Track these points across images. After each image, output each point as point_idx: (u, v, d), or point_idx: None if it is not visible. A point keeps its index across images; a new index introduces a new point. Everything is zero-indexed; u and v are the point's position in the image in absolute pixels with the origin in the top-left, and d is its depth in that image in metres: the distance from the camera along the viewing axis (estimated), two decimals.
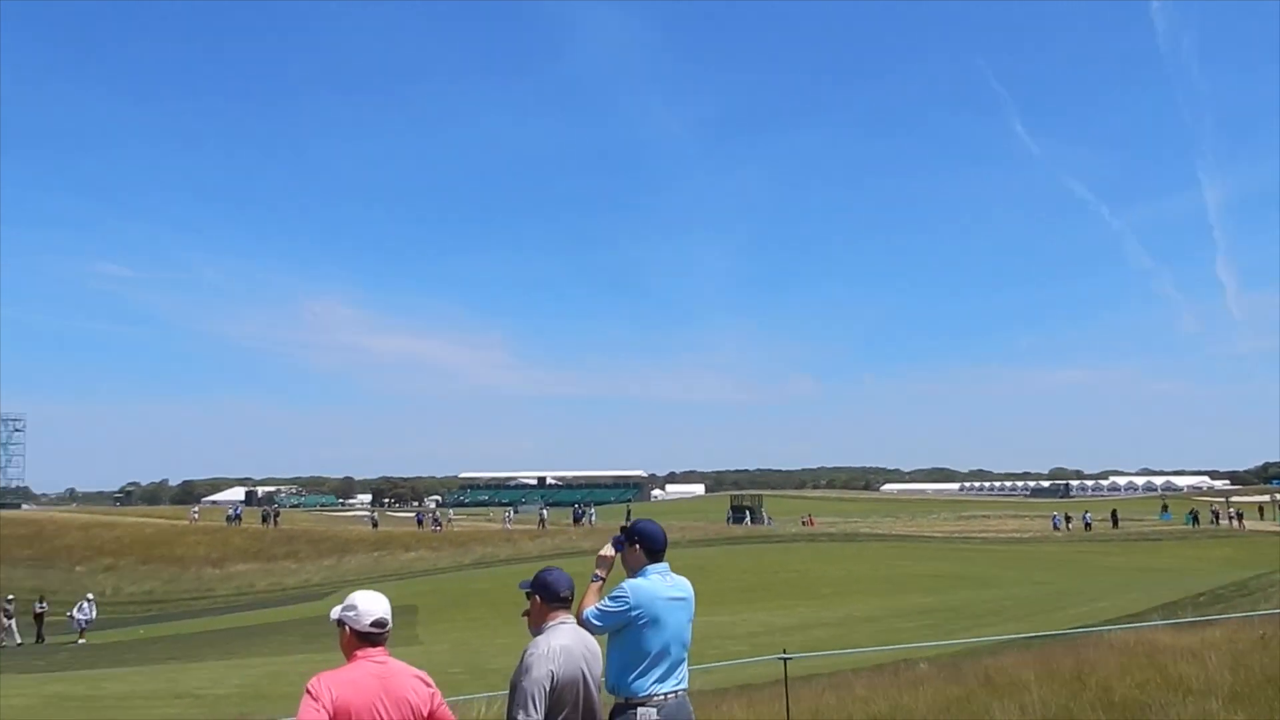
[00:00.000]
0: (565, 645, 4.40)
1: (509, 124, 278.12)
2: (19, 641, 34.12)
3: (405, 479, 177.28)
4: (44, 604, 35.67)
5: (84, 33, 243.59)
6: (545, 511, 69.63)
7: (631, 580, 4.88)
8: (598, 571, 4.99)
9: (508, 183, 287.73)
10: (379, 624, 3.99)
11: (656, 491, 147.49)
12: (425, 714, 3.94)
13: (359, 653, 3.96)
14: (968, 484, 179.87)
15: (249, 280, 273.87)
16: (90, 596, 34.94)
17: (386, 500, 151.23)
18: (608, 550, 5.04)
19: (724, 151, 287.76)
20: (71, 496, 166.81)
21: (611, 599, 4.77)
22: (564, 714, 4.32)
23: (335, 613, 4.06)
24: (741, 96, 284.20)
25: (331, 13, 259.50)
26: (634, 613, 4.70)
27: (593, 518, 63.34)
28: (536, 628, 4.52)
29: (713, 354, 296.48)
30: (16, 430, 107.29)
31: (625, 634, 4.72)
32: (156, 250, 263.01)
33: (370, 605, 4.01)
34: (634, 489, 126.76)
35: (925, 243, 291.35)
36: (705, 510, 76.36)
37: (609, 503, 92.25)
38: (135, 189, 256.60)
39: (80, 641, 32.83)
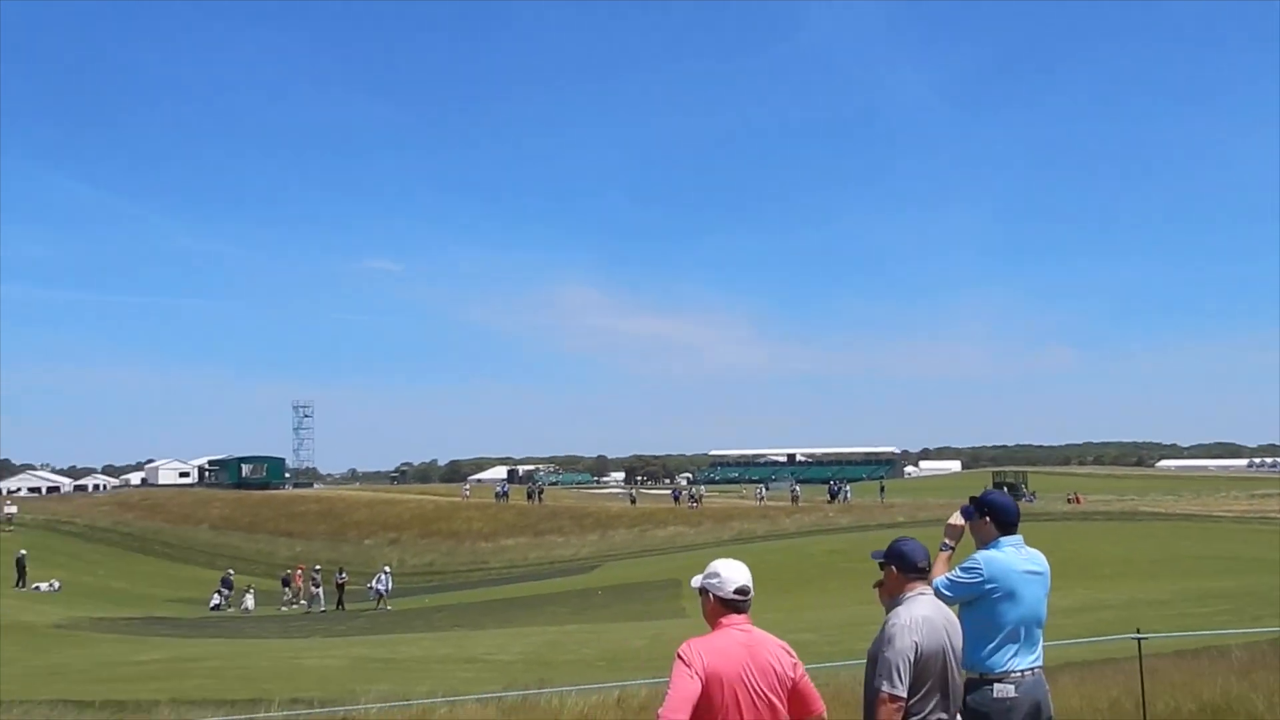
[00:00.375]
0: (927, 616, 4.24)
1: (743, 103, 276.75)
2: (323, 608, 37.17)
3: (656, 457, 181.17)
4: (344, 574, 38.73)
5: (344, 37, 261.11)
6: (798, 488, 69.21)
7: (984, 551, 4.73)
8: (946, 541, 4.85)
9: (745, 162, 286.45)
10: (742, 591, 3.91)
11: (910, 468, 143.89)
12: (790, 684, 3.83)
13: (724, 620, 3.89)
14: (1257, 460, 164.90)
15: (503, 270, 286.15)
16: (387, 568, 37.51)
17: (639, 478, 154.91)
18: (956, 519, 4.88)
19: (970, 113, 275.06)
20: (353, 476, 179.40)
21: (963, 569, 4.63)
22: (927, 687, 4.16)
23: (697, 581, 4.01)
24: (992, 51, 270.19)
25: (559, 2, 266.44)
26: (987, 585, 4.56)
27: (847, 494, 62.44)
28: (894, 598, 4.35)
29: (962, 326, 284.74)
30: (306, 416, 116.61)
31: (979, 607, 4.57)
32: (419, 245, 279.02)
33: (733, 573, 3.94)
34: (886, 465, 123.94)
35: (1205, 204, 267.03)
36: (962, 487, 73.64)
37: (860, 479, 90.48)
38: (398, 188, 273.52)
39: (379, 608, 35.29)
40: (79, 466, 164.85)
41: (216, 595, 40.43)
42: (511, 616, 31.63)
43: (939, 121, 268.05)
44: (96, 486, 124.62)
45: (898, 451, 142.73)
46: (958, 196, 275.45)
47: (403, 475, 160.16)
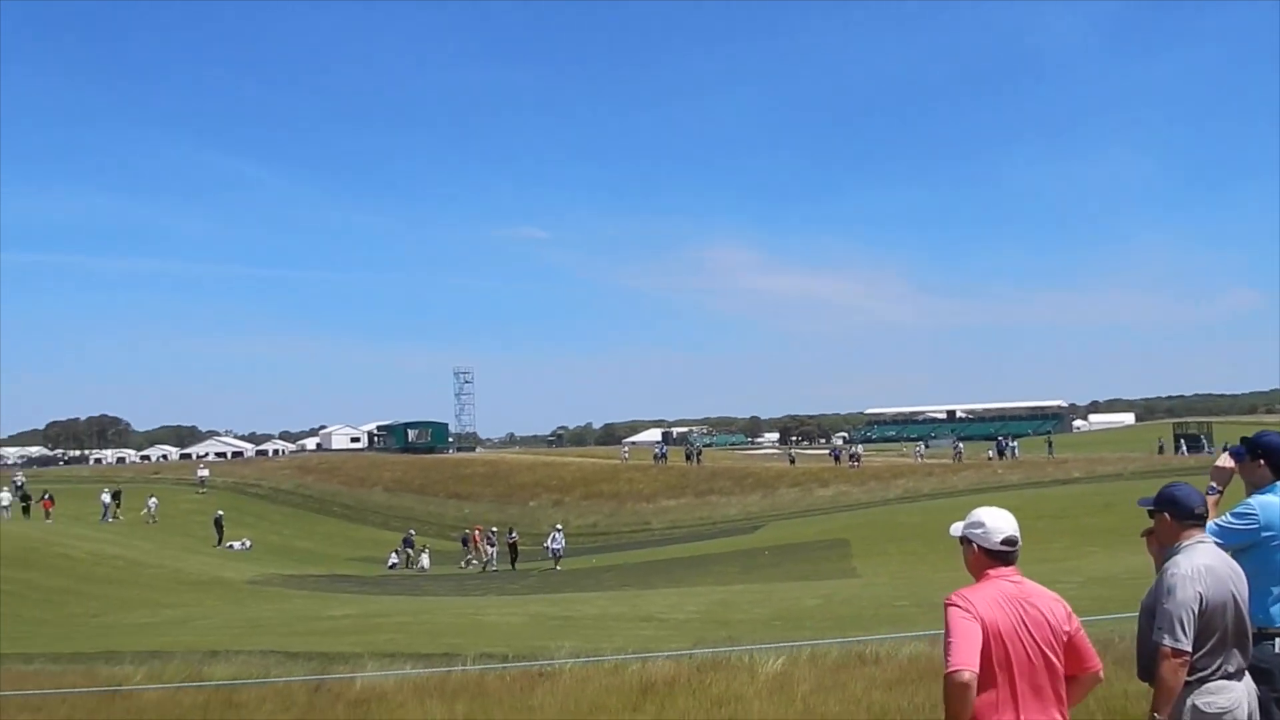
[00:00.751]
0: (1209, 564, 3.93)
1: (892, 51, 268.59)
2: (496, 567, 38.27)
3: (811, 416, 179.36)
4: (515, 534, 39.74)
5: (486, 7, 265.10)
6: (961, 445, 67.40)
7: (1258, 496, 4.35)
8: (1213, 484, 4.52)
9: (896, 113, 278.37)
10: (1009, 541, 3.67)
11: (1079, 422, 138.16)
12: (1065, 638, 3.59)
13: (991, 571, 3.67)
14: None
15: (651, 233, 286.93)
16: (559, 528, 38.19)
17: (794, 438, 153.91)
18: (1225, 461, 4.56)
19: (1131, 51, 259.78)
20: (512, 440, 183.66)
21: (1235, 515, 4.35)
22: (1214, 639, 3.87)
23: (958, 529, 3.79)
24: None
25: None
26: (1265, 533, 4.25)
27: (1015, 450, 60.49)
28: (1168, 547, 4.04)
29: (1130, 271, 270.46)
30: (466, 382, 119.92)
31: (1254, 555, 4.26)
32: (567, 212, 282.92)
33: (999, 522, 3.70)
34: (1053, 420, 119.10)
35: None
36: (1139, 440, 70.31)
37: (1026, 435, 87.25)
38: (545, 156, 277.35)
39: (556, 568, 36.07)
40: (258, 433, 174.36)
41: (394, 554, 42.14)
42: (679, 576, 31.83)
43: (1099, 61, 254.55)
44: (276, 451, 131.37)
45: (1065, 405, 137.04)
46: (1123, 139, 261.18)
47: (559, 439, 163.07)
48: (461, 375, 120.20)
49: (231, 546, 43.28)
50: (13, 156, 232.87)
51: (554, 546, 36.86)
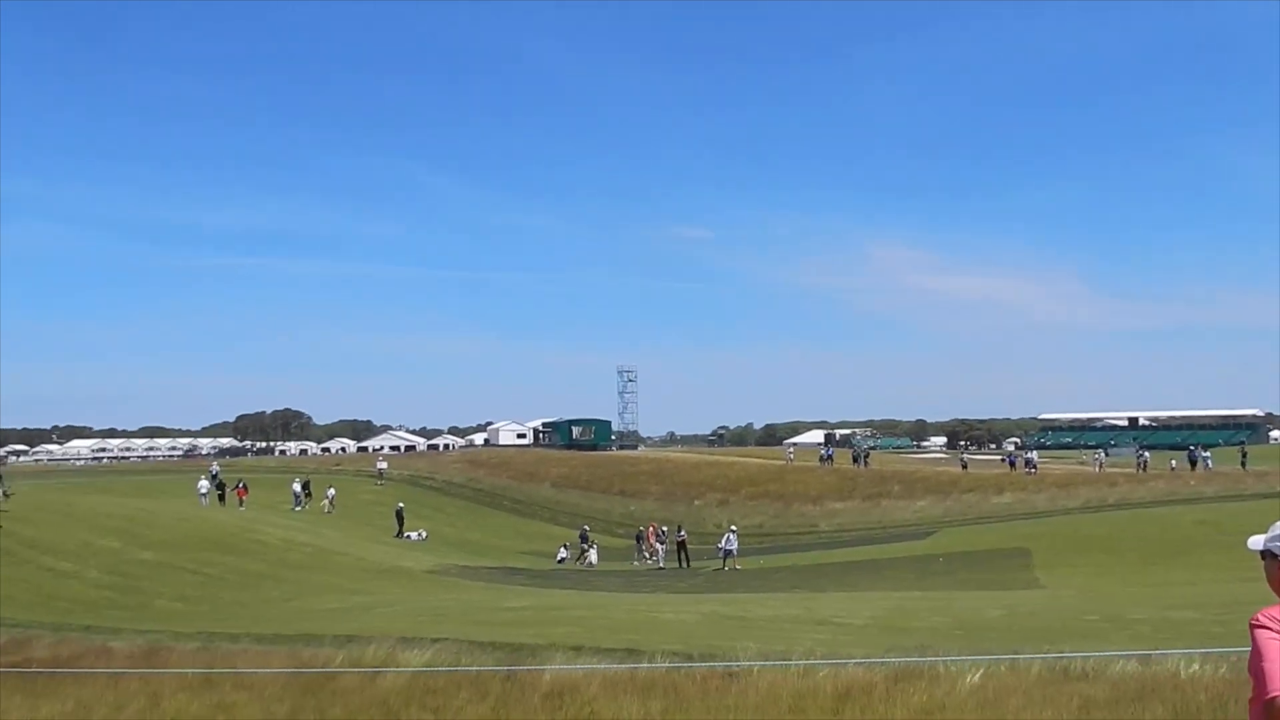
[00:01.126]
0: None
1: (1057, 40, 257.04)
2: (661, 565, 38.39)
3: (980, 421, 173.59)
4: (684, 533, 39.81)
5: (648, 7, 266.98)
6: (1146, 454, 63.99)
7: None
8: None
9: (1067, 104, 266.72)
10: None
11: (1276, 433, 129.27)
12: None
13: None
14: None
15: (814, 232, 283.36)
16: (734, 528, 37.95)
17: (962, 442, 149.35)
18: None
19: None
20: (672, 439, 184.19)
21: None
22: None
23: (1257, 542, 3.44)
24: None
25: None
26: None
27: (1208, 461, 56.96)
28: None
29: None
30: (630, 381, 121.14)
31: None
32: (729, 211, 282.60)
33: None
34: (1246, 430, 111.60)
35: None
36: None
37: (1216, 445, 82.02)
38: (707, 156, 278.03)
39: (728, 568, 35.94)
40: (428, 427, 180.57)
41: (563, 549, 42.82)
42: (851, 580, 31.26)
43: None
44: (446, 446, 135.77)
45: (1261, 414, 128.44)
46: None
47: (720, 438, 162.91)
48: (625, 374, 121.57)
49: (409, 537, 44.84)
50: (213, 166, 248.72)
51: (727, 546, 36.65)
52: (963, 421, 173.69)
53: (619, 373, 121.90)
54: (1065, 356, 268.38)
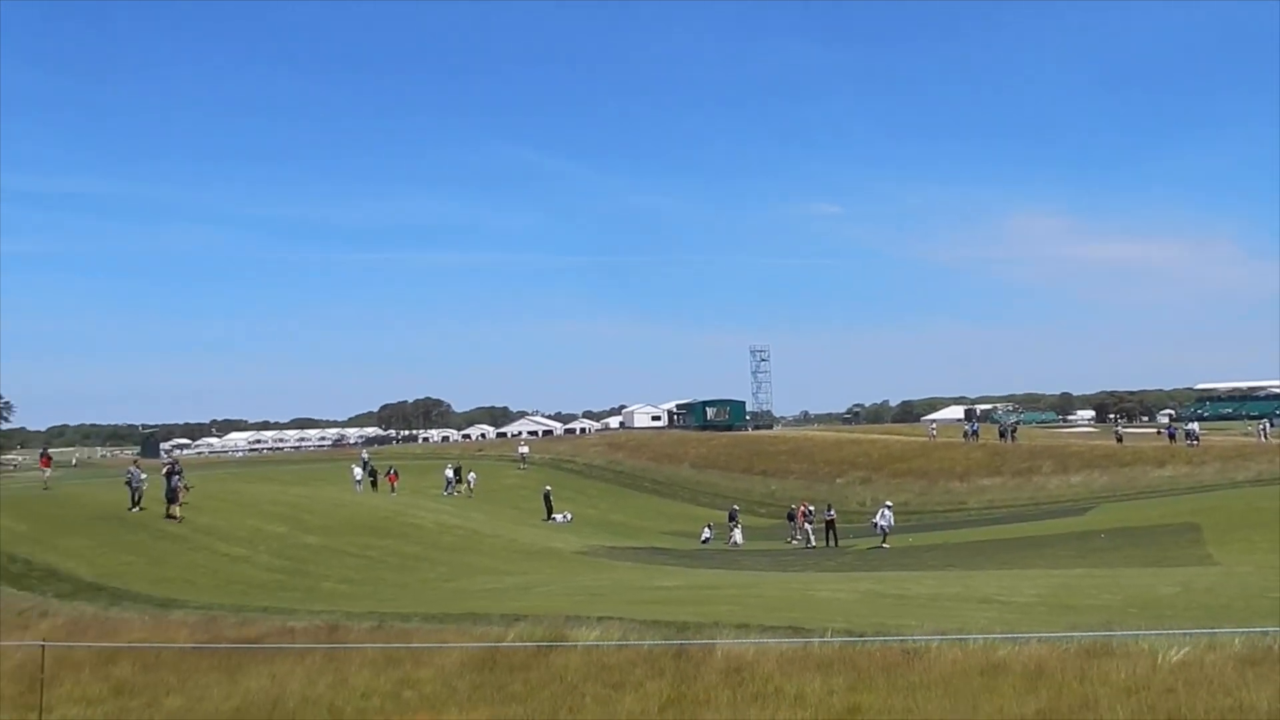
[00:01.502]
0: None
1: None
2: (811, 543, 37.98)
3: (1131, 392, 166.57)
4: (832, 511, 39.30)
5: None
6: None
7: None
8: None
9: (1220, 62, 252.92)
10: None
11: None
12: None
13: None
14: None
15: (949, 202, 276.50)
16: (889, 504, 37.19)
17: (1112, 415, 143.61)
18: None
19: None
20: (806, 418, 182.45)
21: None
22: None
23: None
24: None
25: None
26: None
27: None
28: None
29: None
30: (763, 360, 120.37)
31: None
32: (859, 186, 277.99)
33: None
34: None
35: None
36: None
37: None
38: (836, 132, 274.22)
39: (884, 546, 35.35)
40: (563, 412, 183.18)
41: (706, 529, 42.83)
42: (1007, 558, 30.38)
43: None
44: (582, 430, 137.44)
45: None
46: None
47: (855, 416, 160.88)
48: (758, 353, 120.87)
49: (554, 519, 45.52)
50: (349, 163, 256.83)
51: (881, 523, 36.03)
52: (1111, 394, 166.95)
53: (752, 352, 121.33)
54: (1221, 323, 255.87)
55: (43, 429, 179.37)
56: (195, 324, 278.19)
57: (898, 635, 12.63)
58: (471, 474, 51.84)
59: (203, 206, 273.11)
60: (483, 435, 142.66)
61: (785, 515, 43.33)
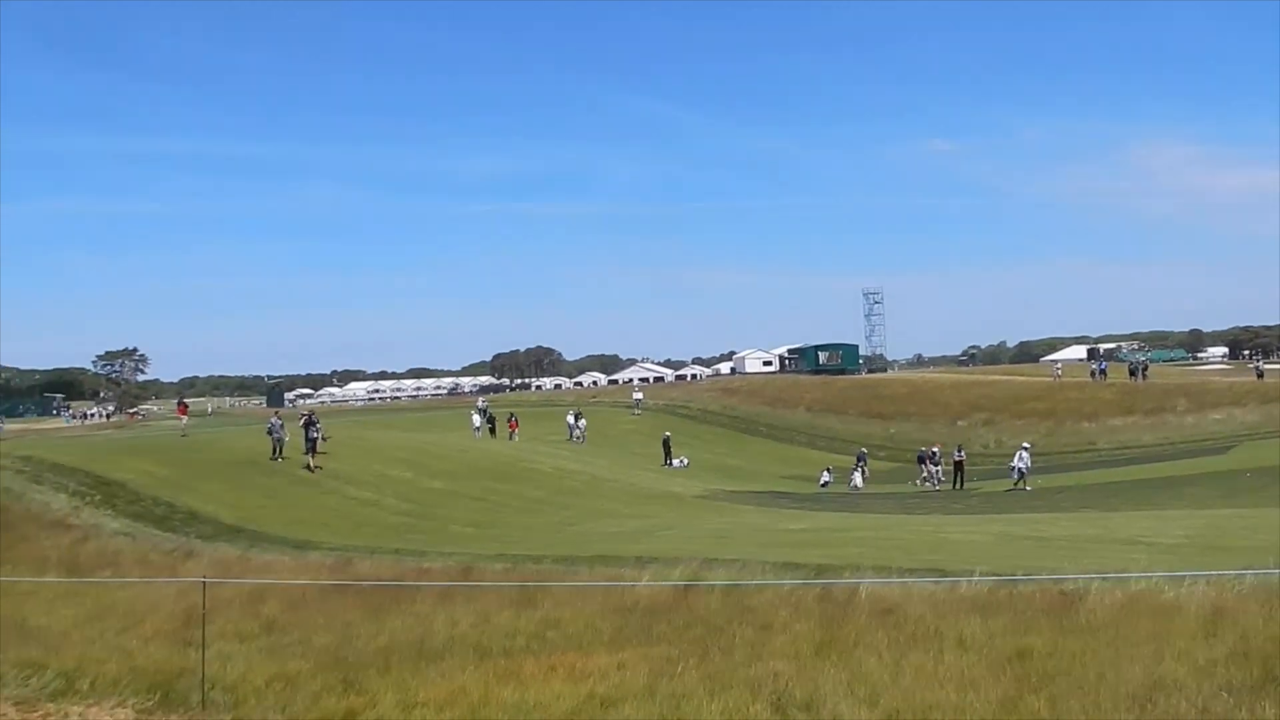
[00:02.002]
0: None
1: None
2: (936, 486, 37.12)
3: (1267, 327, 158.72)
4: (961, 453, 38.28)
5: None
6: None
7: None
8: None
9: None
10: None
11: None
12: None
13: None
14: None
15: (1068, 135, 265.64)
16: (1026, 445, 35.90)
17: (1245, 352, 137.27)
18: None
19: None
20: (919, 361, 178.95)
21: None
22: None
23: None
24: None
25: None
26: None
27: None
28: None
29: None
30: (876, 303, 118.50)
31: None
32: (975, 121, 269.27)
33: None
34: None
35: None
36: None
37: None
38: (952, 67, 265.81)
39: (1026, 489, 34.36)
40: (673, 359, 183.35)
41: (825, 473, 42.34)
42: (1145, 499, 29.25)
43: None
44: (693, 376, 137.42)
45: None
46: None
47: (971, 358, 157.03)
48: (870, 296, 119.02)
49: (670, 464, 45.50)
50: (463, 115, 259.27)
51: (1019, 465, 34.94)
52: (1246, 329, 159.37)
53: (865, 295, 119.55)
54: None
55: (175, 380, 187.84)
56: (316, 278, 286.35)
57: (1051, 576, 12.11)
58: (582, 420, 51.84)
59: (323, 163, 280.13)
60: (594, 383, 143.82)
61: (915, 458, 42.27)
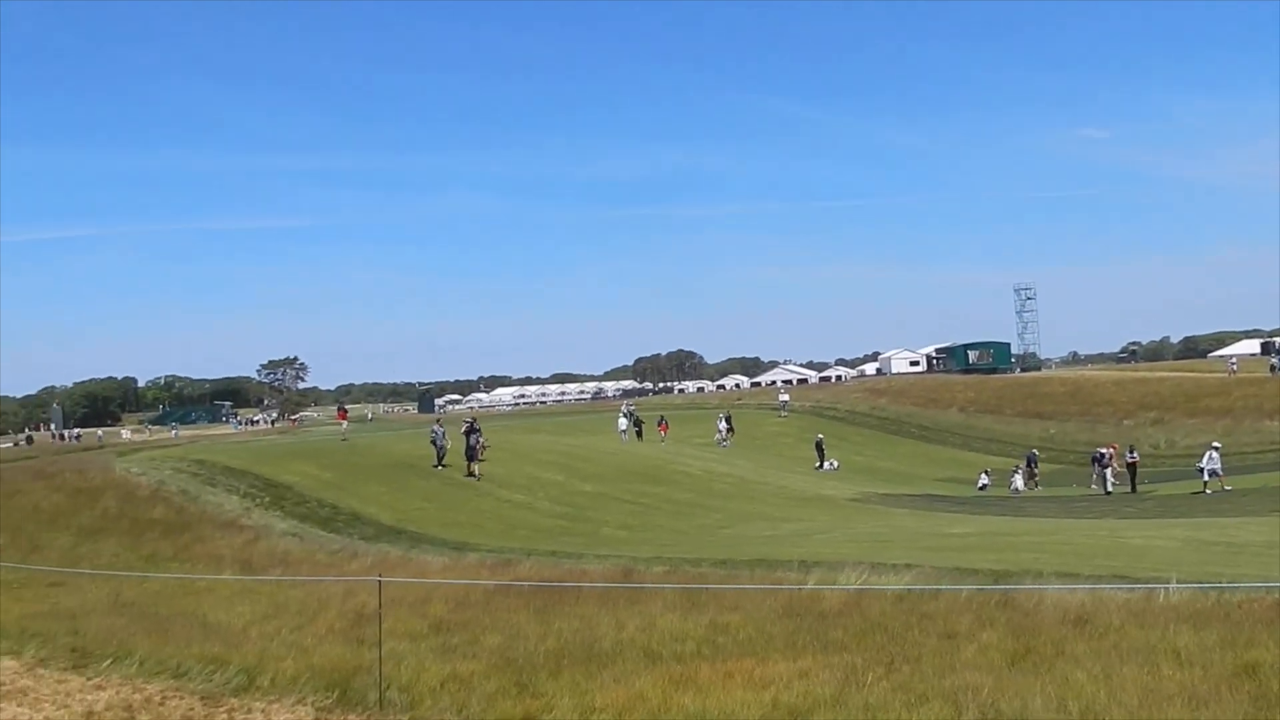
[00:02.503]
0: None
1: None
2: (1107, 491, 35.21)
3: None
4: (1134, 454, 36.23)
5: None
6: None
7: None
8: None
9: None
10: None
11: None
12: None
13: None
14: None
15: (1231, 116, 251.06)
16: (1216, 445, 33.71)
17: None
18: None
19: None
20: (1074, 359, 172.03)
21: None
22: None
23: None
24: None
25: None
26: None
27: None
28: None
29: None
30: (1029, 299, 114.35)
31: None
32: (1128, 106, 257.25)
33: None
34: None
35: None
36: None
37: None
38: (1104, 51, 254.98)
39: (1224, 488, 32.36)
40: (815, 361, 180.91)
41: (984, 475, 40.87)
42: None
43: None
44: (838, 377, 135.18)
45: None
46: None
47: (1132, 355, 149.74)
48: (1023, 292, 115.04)
49: (820, 467, 44.66)
50: (601, 122, 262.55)
51: (1209, 466, 32.70)
52: None
53: (1016, 291, 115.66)
54: None
55: (332, 388, 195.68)
56: (461, 286, 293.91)
57: (1262, 584, 11.16)
58: (722, 422, 51.26)
59: (463, 172, 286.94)
60: (736, 385, 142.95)
61: (1088, 459, 40.08)
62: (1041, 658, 8.13)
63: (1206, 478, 32.55)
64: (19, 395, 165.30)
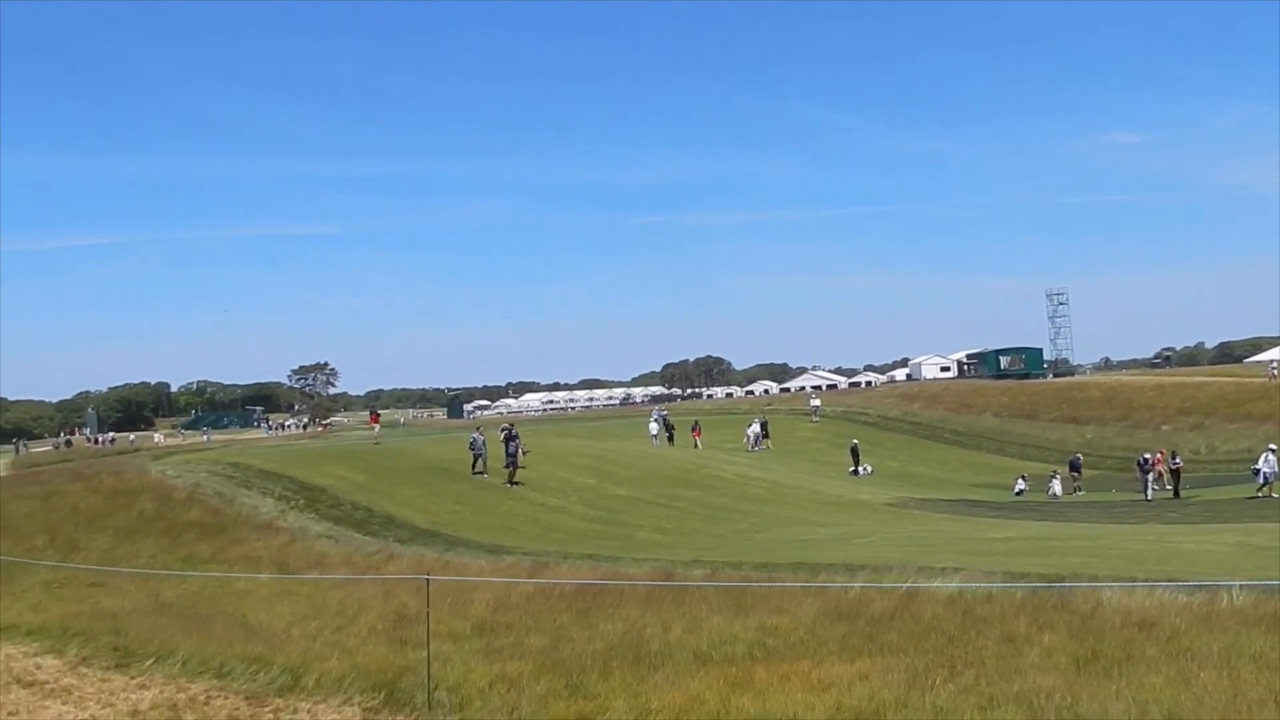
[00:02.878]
0: None
1: None
2: (1149, 498, 34.59)
3: None
4: (1178, 459, 35.59)
5: None
6: None
7: None
8: None
9: None
10: None
11: None
12: None
13: None
14: None
15: (1264, 120, 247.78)
16: (1273, 448, 33.00)
17: None
18: None
19: None
20: (1107, 365, 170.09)
21: None
22: None
23: None
24: None
25: None
26: None
27: None
28: None
29: None
30: (1061, 304, 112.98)
31: None
32: (1158, 110, 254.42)
33: None
34: None
35: None
36: None
37: None
38: (1129, 55, 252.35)
39: (1264, 494, 31.79)
40: (844, 367, 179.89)
41: (1020, 481, 40.33)
42: None
43: None
44: (868, 383, 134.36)
45: None
46: None
47: (1165, 360, 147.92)
48: (1055, 297, 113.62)
49: (855, 472, 44.27)
50: (629, 128, 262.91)
51: (1265, 469, 32.05)
52: None
53: (1048, 296, 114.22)
54: None
55: (361, 393, 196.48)
56: (489, 292, 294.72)
57: None
58: (752, 427, 50.87)
59: (492, 178, 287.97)
60: (765, 391, 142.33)
61: (1133, 463, 39.21)
62: (1111, 661, 7.85)
63: (1262, 481, 31.87)
64: (54, 400, 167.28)
